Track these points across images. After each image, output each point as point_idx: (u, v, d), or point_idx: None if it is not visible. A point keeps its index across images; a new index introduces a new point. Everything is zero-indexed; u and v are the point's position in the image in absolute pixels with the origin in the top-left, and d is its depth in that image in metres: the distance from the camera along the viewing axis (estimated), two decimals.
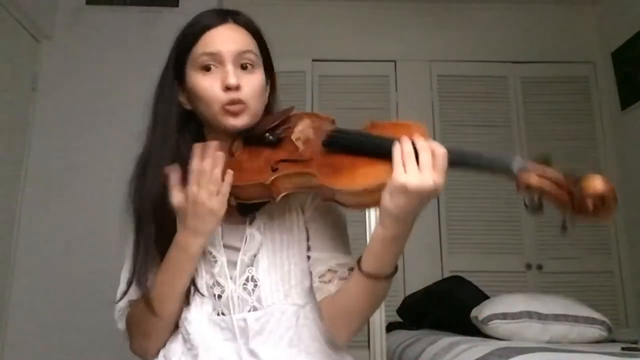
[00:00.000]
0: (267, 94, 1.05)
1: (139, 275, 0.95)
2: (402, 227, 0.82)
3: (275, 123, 0.97)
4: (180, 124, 1.00)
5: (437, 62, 3.43)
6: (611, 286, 3.15)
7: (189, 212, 0.90)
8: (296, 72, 3.24)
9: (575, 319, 1.79)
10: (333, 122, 0.96)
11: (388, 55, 3.43)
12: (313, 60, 3.36)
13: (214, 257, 0.97)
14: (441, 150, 0.81)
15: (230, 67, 0.95)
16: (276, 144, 0.96)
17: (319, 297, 0.96)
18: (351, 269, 0.94)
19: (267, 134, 0.96)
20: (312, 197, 1.00)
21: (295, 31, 3.30)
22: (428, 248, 3.10)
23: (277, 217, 0.99)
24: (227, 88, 0.94)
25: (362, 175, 0.85)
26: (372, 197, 0.83)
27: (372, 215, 1.34)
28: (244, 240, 0.97)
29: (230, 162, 0.94)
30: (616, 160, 3.28)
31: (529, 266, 3.12)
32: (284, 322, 0.95)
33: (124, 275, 1.00)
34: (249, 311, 0.94)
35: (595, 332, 1.80)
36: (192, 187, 0.89)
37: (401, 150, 0.81)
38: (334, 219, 1.01)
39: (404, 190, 0.78)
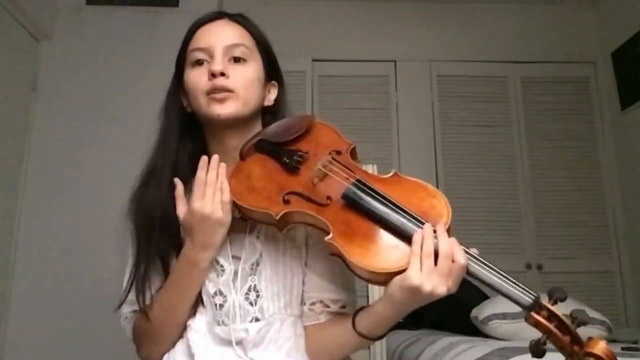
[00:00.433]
0: (270, 95, 1.04)
1: (137, 291, 0.94)
2: (403, 312, 0.83)
3: (294, 136, 0.94)
4: (181, 130, 0.99)
5: (437, 62, 3.43)
6: (611, 286, 3.15)
7: (195, 226, 0.88)
8: (296, 72, 3.23)
9: None
10: (354, 150, 0.93)
11: (388, 55, 3.43)
12: (313, 60, 3.35)
13: (221, 266, 0.95)
14: (461, 263, 0.77)
15: (217, 57, 0.94)
16: (292, 169, 0.90)
17: (306, 322, 0.96)
18: (343, 307, 0.95)
19: (285, 158, 0.91)
20: None
21: (295, 31, 3.29)
22: None
23: None
24: (212, 75, 0.93)
25: (377, 254, 0.80)
26: (381, 279, 0.81)
27: None
28: (244, 249, 0.95)
29: (240, 171, 0.91)
30: (616, 160, 3.28)
31: (529, 266, 3.12)
32: (283, 332, 0.94)
33: (126, 282, 0.99)
34: (251, 322, 0.93)
35: (595, 332, 1.80)
36: (197, 202, 0.87)
37: (421, 245, 0.77)
38: None
39: (415, 290, 0.77)
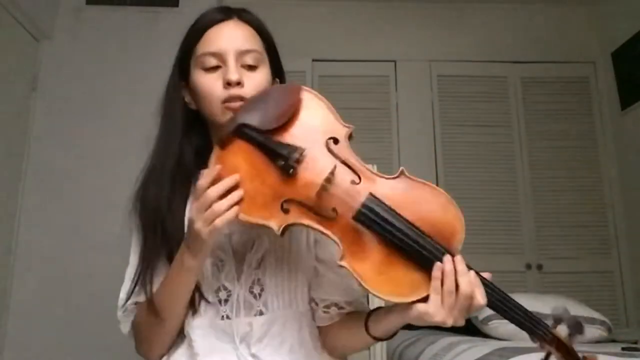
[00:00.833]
0: None
1: (143, 281, 0.93)
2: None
3: (284, 121, 0.81)
4: (185, 125, 0.98)
5: (437, 62, 3.43)
6: (611, 286, 3.15)
7: (189, 233, 0.85)
8: (296, 72, 3.23)
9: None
10: (347, 130, 0.83)
11: (388, 55, 3.43)
12: (313, 60, 3.36)
13: (221, 261, 0.95)
14: (481, 304, 0.76)
15: (232, 64, 0.93)
16: (287, 172, 0.78)
17: (321, 323, 0.98)
18: (356, 306, 0.97)
19: (280, 160, 0.78)
20: None
21: (295, 31, 3.29)
22: None
23: None
24: (228, 84, 0.92)
25: (394, 282, 0.75)
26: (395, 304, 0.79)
27: None
28: (250, 244, 0.95)
29: (223, 165, 0.79)
30: (616, 160, 3.28)
31: (529, 266, 3.12)
32: (286, 328, 0.95)
33: (130, 272, 0.99)
34: (255, 315, 0.93)
35: (595, 332, 1.80)
36: (192, 211, 0.82)
37: (442, 282, 0.76)
38: None
39: (432, 320, 0.76)
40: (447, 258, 0.77)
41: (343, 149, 0.81)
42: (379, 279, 0.75)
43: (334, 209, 0.77)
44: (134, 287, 0.95)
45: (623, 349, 1.58)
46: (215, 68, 0.94)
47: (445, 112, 3.35)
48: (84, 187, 2.64)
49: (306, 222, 0.77)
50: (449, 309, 0.75)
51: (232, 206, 0.79)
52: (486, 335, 1.83)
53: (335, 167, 0.79)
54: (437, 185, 0.83)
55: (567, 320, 0.78)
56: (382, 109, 3.35)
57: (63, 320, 2.48)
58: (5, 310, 2.47)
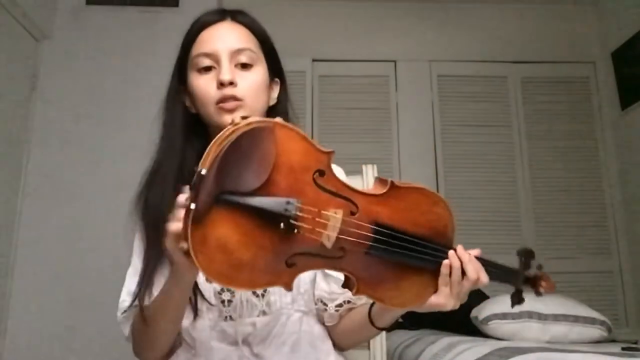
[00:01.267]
0: (273, 94, 1.03)
1: (146, 285, 0.93)
2: None
3: (268, 175, 0.67)
4: (186, 129, 0.98)
5: (437, 62, 3.43)
6: (611, 286, 3.15)
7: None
8: (296, 72, 3.23)
9: (575, 319, 1.79)
10: (329, 156, 0.73)
11: (388, 55, 3.43)
12: (313, 60, 3.36)
13: None
14: (485, 282, 0.83)
15: (225, 64, 0.93)
16: (286, 232, 0.68)
17: (330, 322, 1.00)
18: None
19: (280, 224, 0.67)
20: None
21: (295, 31, 3.29)
22: None
23: None
24: (221, 84, 0.92)
25: (407, 291, 0.79)
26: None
27: None
28: None
29: (204, 242, 0.63)
30: (616, 160, 3.28)
31: None
32: (288, 328, 0.95)
33: (131, 273, 0.98)
34: (258, 315, 0.94)
35: (595, 332, 1.80)
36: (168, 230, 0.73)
37: (449, 276, 0.80)
38: None
39: (443, 309, 0.82)
40: (451, 254, 0.81)
41: (331, 179, 0.73)
42: (395, 294, 0.79)
43: (342, 248, 0.73)
44: (139, 290, 0.95)
45: (623, 348, 1.58)
46: (209, 69, 0.94)
47: (445, 112, 3.35)
48: (84, 187, 2.64)
49: (314, 267, 0.75)
50: (457, 295, 0.81)
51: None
52: (486, 335, 1.82)
53: (332, 204, 0.72)
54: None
55: (519, 254, 0.95)
56: (382, 109, 3.35)
57: (63, 321, 2.48)
58: (5, 310, 2.47)
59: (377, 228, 0.75)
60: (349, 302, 0.98)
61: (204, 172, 0.63)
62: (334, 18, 3.44)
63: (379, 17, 3.45)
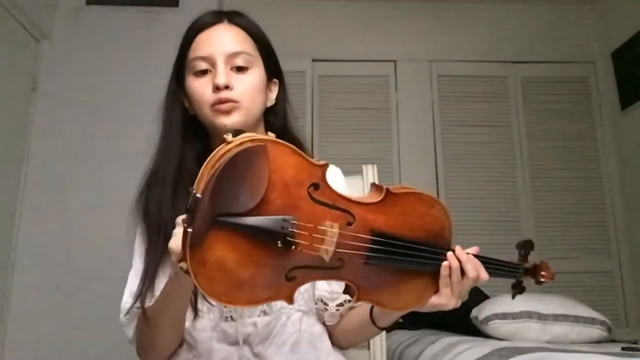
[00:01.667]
0: (272, 94, 1.03)
1: (148, 286, 0.92)
2: None
3: (262, 195, 0.67)
4: (185, 130, 0.99)
5: (437, 62, 3.43)
6: (611, 286, 3.15)
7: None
8: (296, 72, 3.23)
9: (575, 319, 1.79)
10: (323, 169, 0.73)
11: (388, 55, 3.43)
12: (313, 60, 3.35)
13: None
14: (485, 279, 0.83)
15: (220, 68, 0.93)
16: (284, 249, 0.68)
17: (331, 322, 1.00)
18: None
19: (278, 242, 0.67)
20: None
21: (295, 31, 3.29)
22: None
23: None
24: (217, 88, 0.92)
25: (408, 294, 0.80)
26: None
27: None
28: None
29: (204, 263, 0.64)
30: (616, 160, 3.28)
31: None
32: (288, 327, 0.96)
33: (133, 275, 0.98)
34: (259, 315, 0.94)
35: (595, 332, 1.80)
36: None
37: (449, 277, 0.81)
38: None
39: (444, 309, 0.82)
40: (449, 255, 0.81)
41: (326, 192, 0.73)
42: (396, 298, 0.80)
43: (340, 259, 0.73)
44: (141, 290, 0.94)
45: (623, 348, 1.58)
46: (205, 72, 0.95)
47: (445, 112, 3.35)
48: (84, 187, 2.64)
49: (314, 279, 0.76)
50: (458, 294, 0.82)
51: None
52: (486, 335, 1.82)
53: (328, 217, 0.72)
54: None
55: (518, 247, 0.95)
56: (382, 109, 3.35)
57: (63, 321, 2.48)
58: (5, 310, 2.47)
59: (374, 238, 0.75)
60: (349, 301, 0.98)
61: (199, 195, 0.63)
62: (334, 18, 3.44)
63: (379, 17, 3.45)
